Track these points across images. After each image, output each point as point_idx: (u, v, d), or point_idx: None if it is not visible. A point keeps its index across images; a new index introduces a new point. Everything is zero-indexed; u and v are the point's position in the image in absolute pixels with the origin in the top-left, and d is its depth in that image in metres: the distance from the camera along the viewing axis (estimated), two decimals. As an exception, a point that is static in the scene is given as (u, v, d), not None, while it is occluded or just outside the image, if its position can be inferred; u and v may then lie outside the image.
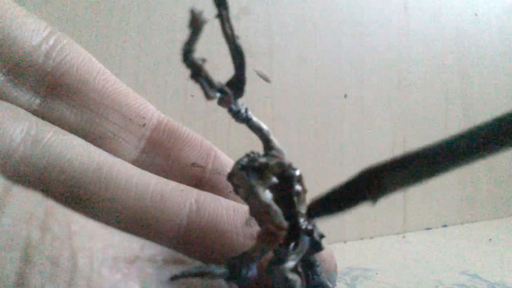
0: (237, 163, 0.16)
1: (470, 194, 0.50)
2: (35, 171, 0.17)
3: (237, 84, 0.16)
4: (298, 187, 0.16)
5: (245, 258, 0.14)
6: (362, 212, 0.42)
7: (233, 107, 0.17)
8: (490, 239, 0.41)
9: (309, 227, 0.16)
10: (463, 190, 0.49)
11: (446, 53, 0.49)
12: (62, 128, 0.19)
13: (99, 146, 0.19)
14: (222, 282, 0.14)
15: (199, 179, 0.21)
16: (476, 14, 0.51)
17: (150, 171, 0.20)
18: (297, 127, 0.39)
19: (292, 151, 0.39)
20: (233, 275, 0.14)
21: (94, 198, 0.17)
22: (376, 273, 0.31)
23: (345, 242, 0.40)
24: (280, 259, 0.15)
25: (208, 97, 0.15)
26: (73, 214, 0.12)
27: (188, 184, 0.20)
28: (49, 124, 0.18)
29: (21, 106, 0.18)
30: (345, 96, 0.41)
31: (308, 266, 0.17)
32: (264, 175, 0.15)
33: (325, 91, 0.40)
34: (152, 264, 0.13)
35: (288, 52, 0.39)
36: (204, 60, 0.15)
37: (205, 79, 0.15)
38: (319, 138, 0.40)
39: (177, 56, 0.15)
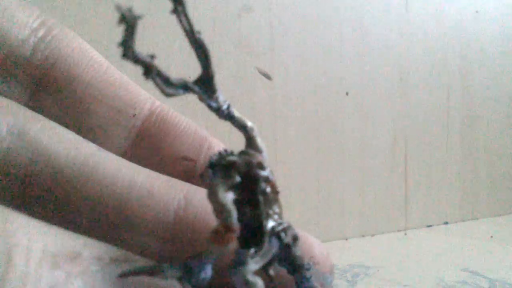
0: (207, 161, 0.15)
1: (471, 191, 0.50)
2: (21, 164, 0.16)
3: (206, 81, 0.15)
4: (263, 187, 0.15)
5: (200, 259, 0.14)
6: (364, 209, 0.42)
7: (212, 103, 0.16)
8: (491, 236, 0.41)
9: (278, 228, 0.15)
10: (464, 187, 0.49)
11: (447, 50, 0.49)
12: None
13: (88, 139, 0.18)
14: (175, 282, 0.14)
15: (191, 172, 0.21)
16: (477, 11, 0.51)
17: (141, 164, 0.19)
18: (299, 125, 0.39)
19: (293, 149, 0.39)
20: (186, 275, 0.14)
21: (79, 192, 0.17)
22: (378, 270, 0.31)
23: (346, 239, 0.40)
24: (240, 262, 0.14)
25: (165, 94, 0.15)
26: (11, 213, 0.12)
27: (180, 178, 0.19)
28: (38, 116, 0.17)
29: None
30: (347, 94, 0.41)
31: (295, 270, 0.16)
32: (230, 173, 0.15)
33: (326, 89, 0.40)
34: (98, 262, 0.13)
35: (289, 50, 0.39)
36: (153, 57, 0.14)
37: (158, 76, 0.14)
38: (320, 136, 0.40)
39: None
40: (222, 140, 0.22)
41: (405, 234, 0.43)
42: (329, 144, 0.40)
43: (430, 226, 0.46)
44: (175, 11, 0.14)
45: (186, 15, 0.14)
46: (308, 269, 0.16)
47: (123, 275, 0.13)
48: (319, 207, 0.39)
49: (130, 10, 0.13)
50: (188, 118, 0.22)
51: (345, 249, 0.37)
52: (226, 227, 0.14)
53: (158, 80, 0.14)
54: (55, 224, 0.15)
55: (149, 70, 0.14)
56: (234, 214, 0.14)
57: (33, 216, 0.14)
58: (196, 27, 0.15)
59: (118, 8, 0.12)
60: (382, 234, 0.43)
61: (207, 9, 0.34)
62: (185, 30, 0.15)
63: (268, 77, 0.37)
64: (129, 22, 0.13)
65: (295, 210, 0.38)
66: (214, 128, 0.33)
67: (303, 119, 0.39)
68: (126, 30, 0.13)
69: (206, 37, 0.15)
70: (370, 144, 0.43)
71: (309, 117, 0.40)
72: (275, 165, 0.38)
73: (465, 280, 0.28)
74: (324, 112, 0.40)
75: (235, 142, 0.18)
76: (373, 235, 0.42)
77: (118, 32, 0.13)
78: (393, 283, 0.28)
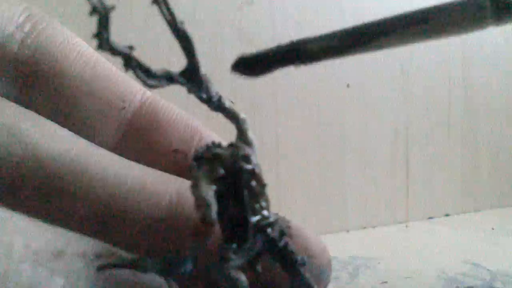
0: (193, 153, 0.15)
1: (472, 183, 0.50)
2: (11, 162, 0.16)
3: (192, 72, 0.15)
4: (248, 180, 0.15)
5: (180, 253, 0.14)
6: (365, 201, 0.42)
7: (202, 94, 0.16)
8: (493, 228, 0.41)
9: (263, 223, 0.15)
10: (466, 179, 0.49)
11: (448, 42, 0.48)
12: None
13: (78, 134, 0.18)
14: (158, 277, 0.14)
15: (182, 165, 0.20)
16: (479, 2, 0.50)
17: (132, 158, 0.19)
18: (300, 117, 0.39)
19: (295, 141, 0.39)
20: (166, 270, 0.14)
21: (70, 189, 0.16)
22: (379, 262, 0.31)
23: (347, 231, 0.41)
24: (222, 257, 0.14)
25: (147, 86, 0.14)
26: None
27: (172, 171, 0.19)
28: (28, 112, 0.17)
29: None
30: (348, 85, 0.41)
31: (289, 266, 0.16)
32: (214, 166, 0.14)
33: (327, 81, 0.40)
34: (82, 259, 0.13)
35: (290, 42, 0.38)
36: (131, 48, 0.14)
37: (138, 67, 0.14)
38: (321, 128, 0.40)
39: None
40: (222, 129, 0.22)
41: (406, 226, 0.43)
42: (330, 136, 0.40)
43: (432, 218, 0.46)
44: (155, 1, 0.14)
45: (167, 5, 0.14)
46: (302, 265, 0.16)
47: (102, 268, 0.13)
48: (320, 199, 0.39)
49: (100, 1, 0.12)
50: (180, 108, 0.21)
51: (346, 241, 0.38)
52: (204, 220, 0.13)
53: (139, 71, 0.14)
54: (46, 221, 0.14)
55: (129, 61, 0.14)
56: (213, 207, 0.13)
57: (23, 213, 0.14)
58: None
59: (89, 0, 0.12)
60: (384, 226, 0.43)
61: (208, 2, 0.34)
62: (167, 21, 0.14)
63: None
64: (101, 13, 0.13)
65: (297, 202, 0.38)
66: (214, 116, 0.33)
67: (305, 111, 0.39)
68: (99, 21, 0.13)
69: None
70: (371, 136, 0.43)
71: (310, 109, 0.39)
72: (277, 157, 0.38)
73: (467, 272, 0.28)
74: (325, 104, 0.40)
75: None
76: (374, 227, 0.42)
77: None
78: (394, 275, 0.28)
